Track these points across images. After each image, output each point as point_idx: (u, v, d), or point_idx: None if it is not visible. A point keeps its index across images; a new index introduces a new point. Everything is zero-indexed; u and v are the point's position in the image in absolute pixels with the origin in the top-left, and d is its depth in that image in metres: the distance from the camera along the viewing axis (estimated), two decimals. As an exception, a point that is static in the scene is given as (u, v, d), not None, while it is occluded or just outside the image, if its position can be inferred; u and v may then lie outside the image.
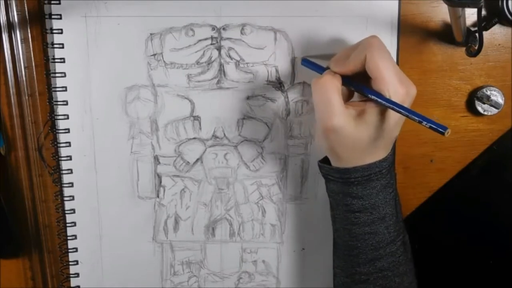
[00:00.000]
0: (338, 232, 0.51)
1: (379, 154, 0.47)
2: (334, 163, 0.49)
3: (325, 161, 0.51)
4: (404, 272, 0.49)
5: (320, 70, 0.51)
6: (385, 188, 0.48)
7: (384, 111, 0.46)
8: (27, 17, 0.54)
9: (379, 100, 0.45)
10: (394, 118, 0.46)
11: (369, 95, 0.46)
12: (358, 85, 0.48)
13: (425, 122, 0.43)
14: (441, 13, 0.55)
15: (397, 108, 0.44)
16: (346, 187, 0.48)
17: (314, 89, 0.47)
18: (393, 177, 0.49)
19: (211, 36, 0.54)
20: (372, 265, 0.49)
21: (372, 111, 0.46)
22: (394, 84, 0.45)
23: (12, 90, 0.55)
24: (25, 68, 0.55)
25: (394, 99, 0.45)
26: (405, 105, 0.45)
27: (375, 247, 0.48)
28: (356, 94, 0.50)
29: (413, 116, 0.44)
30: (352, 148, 0.47)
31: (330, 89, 0.46)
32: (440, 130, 0.42)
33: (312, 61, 0.53)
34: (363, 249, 0.49)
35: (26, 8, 0.54)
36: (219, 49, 0.55)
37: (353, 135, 0.46)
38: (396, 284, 0.49)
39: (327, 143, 0.47)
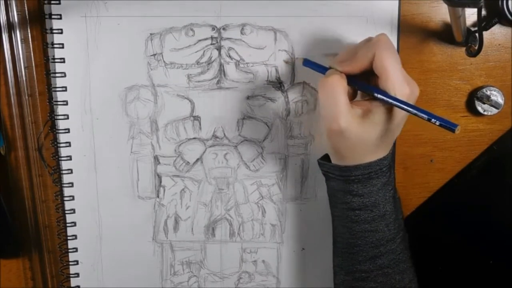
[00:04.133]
0: (338, 230, 0.51)
1: (381, 152, 0.48)
2: (335, 161, 0.49)
3: (324, 158, 0.51)
4: (404, 270, 0.50)
5: (323, 70, 0.50)
6: (385, 186, 0.48)
7: (390, 110, 0.46)
8: (27, 17, 0.54)
9: (386, 99, 0.45)
10: (399, 117, 0.46)
11: (376, 94, 0.46)
12: (363, 84, 0.47)
13: (434, 120, 0.43)
14: (441, 13, 0.55)
15: (406, 107, 0.44)
16: (346, 185, 0.48)
17: (321, 90, 0.47)
18: (393, 174, 0.50)
19: (211, 36, 0.54)
20: (372, 262, 0.49)
21: (378, 111, 0.46)
22: (400, 84, 0.45)
23: (12, 90, 0.55)
24: (25, 68, 0.55)
25: (398, 97, 0.45)
26: None
27: (375, 244, 0.48)
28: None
29: (421, 114, 0.44)
30: (357, 148, 0.47)
31: (337, 89, 0.46)
32: (451, 127, 0.42)
33: (314, 62, 0.53)
34: (363, 247, 0.49)
35: (26, 8, 0.54)
36: (219, 49, 0.55)
37: (359, 135, 0.46)
38: (397, 281, 0.49)
39: (331, 143, 0.47)
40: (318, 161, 0.51)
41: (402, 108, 0.44)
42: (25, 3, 0.54)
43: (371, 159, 0.47)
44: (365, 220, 0.48)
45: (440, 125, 0.43)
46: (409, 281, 0.50)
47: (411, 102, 0.45)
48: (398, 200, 0.51)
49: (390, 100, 0.45)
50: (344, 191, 0.48)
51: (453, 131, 0.42)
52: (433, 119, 0.43)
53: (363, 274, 0.49)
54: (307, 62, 0.53)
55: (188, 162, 0.57)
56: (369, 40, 0.47)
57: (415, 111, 0.44)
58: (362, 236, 0.48)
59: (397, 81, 0.45)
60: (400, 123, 0.47)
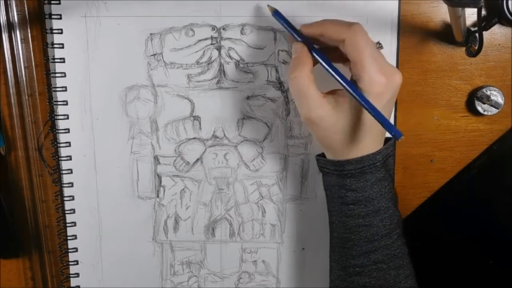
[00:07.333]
0: (333, 225, 0.51)
1: (371, 146, 0.48)
2: (328, 155, 0.50)
3: (322, 154, 0.51)
4: (400, 266, 0.49)
5: (289, 27, 0.49)
6: (380, 181, 0.48)
7: None
8: (27, 17, 0.54)
9: (347, 90, 0.45)
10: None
11: (341, 83, 0.45)
12: (336, 71, 0.46)
13: (385, 125, 0.43)
14: (441, 13, 0.55)
15: (361, 102, 0.44)
16: (340, 180, 0.48)
17: (289, 84, 0.48)
18: (390, 171, 0.50)
19: (211, 36, 0.54)
20: (366, 257, 0.49)
21: (346, 99, 0.46)
22: (372, 72, 0.44)
23: (12, 90, 0.55)
24: (25, 68, 0.55)
25: (370, 87, 0.44)
26: (385, 95, 0.45)
27: (369, 239, 0.48)
28: None
29: (373, 114, 0.43)
30: (338, 137, 0.47)
31: (305, 82, 0.46)
32: (396, 135, 0.42)
33: (283, 17, 0.51)
34: (357, 242, 0.49)
35: (26, 8, 0.54)
36: (219, 49, 0.55)
37: (334, 123, 0.46)
38: (392, 276, 0.49)
39: (313, 133, 0.48)
40: (316, 157, 0.51)
41: (359, 103, 0.44)
42: (25, 3, 0.54)
43: (363, 153, 0.47)
44: (359, 214, 0.48)
45: (387, 130, 0.43)
46: (405, 277, 0.50)
47: (388, 92, 0.45)
48: (395, 197, 0.51)
49: (350, 91, 0.44)
50: (339, 186, 0.49)
51: (397, 139, 0.42)
52: (384, 124, 0.43)
53: (357, 269, 0.49)
54: (276, 14, 0.51)
55: (188, 162, 0.57)
56: (345, 22, 0.46)
57: (370, 110, 0.43)
58: (356, 231, 0.49)
59: (369, 70, 0.44)
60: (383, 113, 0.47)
